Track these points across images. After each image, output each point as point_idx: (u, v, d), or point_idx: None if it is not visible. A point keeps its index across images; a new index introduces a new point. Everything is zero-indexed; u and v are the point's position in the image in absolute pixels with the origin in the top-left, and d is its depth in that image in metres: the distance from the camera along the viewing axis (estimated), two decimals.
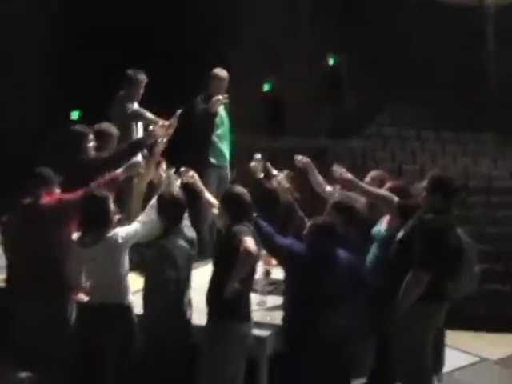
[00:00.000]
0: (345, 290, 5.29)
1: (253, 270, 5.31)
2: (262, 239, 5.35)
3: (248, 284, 5.24)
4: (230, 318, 5.15)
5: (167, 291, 5.26)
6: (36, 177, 5.62)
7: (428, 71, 12.01)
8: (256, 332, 5.40)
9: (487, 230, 9.58)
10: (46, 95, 10.24)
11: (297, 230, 5.64)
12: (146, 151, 6.84)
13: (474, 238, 5.86)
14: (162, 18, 11.25)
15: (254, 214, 5.35)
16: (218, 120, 7.77)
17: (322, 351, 5.22)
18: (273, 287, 6.13)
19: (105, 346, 5.33)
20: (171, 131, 6.56)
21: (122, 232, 5.34)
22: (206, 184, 6.28)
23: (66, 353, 5.41)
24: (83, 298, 5.40)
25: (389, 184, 6.07)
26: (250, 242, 4.99)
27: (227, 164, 7.98)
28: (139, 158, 6.63)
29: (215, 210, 5.75)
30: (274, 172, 6.36)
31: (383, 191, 5.94)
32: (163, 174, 6.21)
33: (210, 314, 5.24)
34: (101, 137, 6.42)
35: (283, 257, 5.43)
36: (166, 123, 6.58)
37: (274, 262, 6.01)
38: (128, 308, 5.38)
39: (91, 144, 6.25)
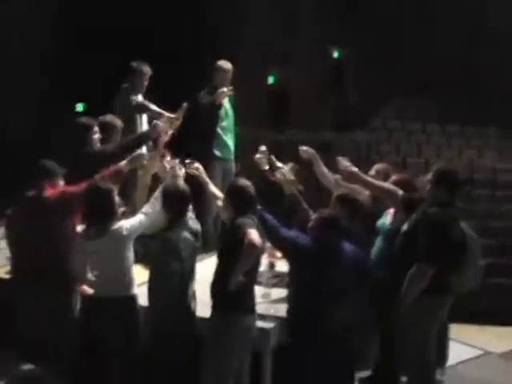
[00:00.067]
0: (349, 282, 5.28)
1: (257, 263, 5.31)
2: (267, 232, 5.33)
3: (252, 276, 5.24)
4: (235, 311, 5.15)
5: (172, 283, 5.25)
6: (39, 169, 5.60)
7: (433, 66, 11.99)
8: (260, 324, 5.41)
9: (492, 223, 9.57)
10: (46, 95, 10.24)
11: (301, 222, 5.62)
12: (150, 143, 6.84)
13: (478, 231, 5.87)
14: (161, 18, 11.23)
15: (259, 207, 5.35)
16: (222, 112, 7.75)
17: (327, 344, 5.21)
18: (277, 280, 6.14)
19: (109, 338, 5.32)
20: (177, 124, 6.56)
21: (126, 224, 5.33)
22: (210, 176, 6.26)
23: (71, 346, 5.41)
24: (87, 290, 5.38)
25: (393, 177, 6.05)
26: (254, 235, 4.98)
27: (232, 156, 7.96)
28: (144, 150, 6.64)
29: (220, 203, 5.75)
30: (279, 164, 6.35)
31: (388, 184, 5.92)
32: (168, 166, 6.20)
33: (215, 307, 5.24)
34: (105, 129, 6.40)
35: (288, 249, 5.41)
36: (172, 116, 6.58)
37: (278, 254, 6.00)
38: (133, 300, 5.38)
39: (96, 136, 6.23)
